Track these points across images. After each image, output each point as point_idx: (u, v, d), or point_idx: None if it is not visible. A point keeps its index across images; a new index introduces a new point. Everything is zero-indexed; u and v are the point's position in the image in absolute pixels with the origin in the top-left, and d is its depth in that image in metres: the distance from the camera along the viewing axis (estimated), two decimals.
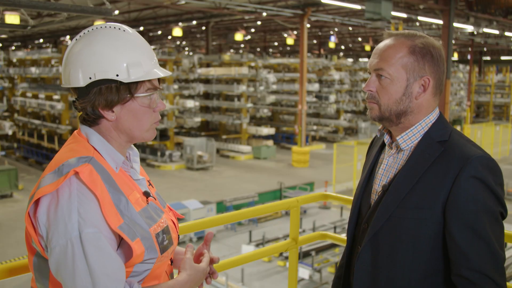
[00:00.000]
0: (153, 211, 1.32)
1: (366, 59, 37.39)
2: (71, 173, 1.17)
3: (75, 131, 1.34)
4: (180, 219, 1.51)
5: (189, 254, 1.38)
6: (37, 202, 1.18)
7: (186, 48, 41.28)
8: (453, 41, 21.53)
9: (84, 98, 1.27)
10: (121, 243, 1.23)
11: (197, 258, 1.47)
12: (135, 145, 1.47)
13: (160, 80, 1.37)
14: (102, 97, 1.25)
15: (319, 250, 10.35)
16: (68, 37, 28.68)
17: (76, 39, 1.30)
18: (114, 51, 1.26)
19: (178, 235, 1.42)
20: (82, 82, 1.25)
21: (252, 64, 24.46)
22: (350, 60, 34.02)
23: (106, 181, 1.21)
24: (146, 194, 1.33)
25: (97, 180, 1.19)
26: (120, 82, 1.25)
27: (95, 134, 1.29)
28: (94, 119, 1.29)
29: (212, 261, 1.47)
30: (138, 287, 1.21)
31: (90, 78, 1.24)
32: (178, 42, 37.74)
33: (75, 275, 1.13)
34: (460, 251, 1.34)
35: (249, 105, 23.25)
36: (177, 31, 22.68)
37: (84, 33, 1.31)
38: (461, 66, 34.99)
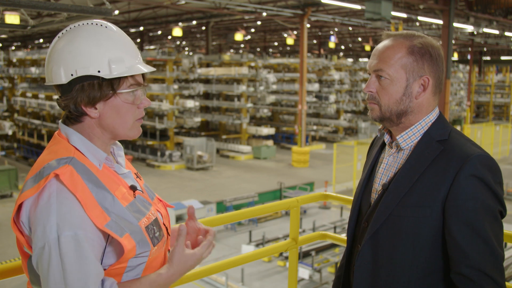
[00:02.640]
0: (141, 205, 1.31)
1: (366, 59, 37.40)
2: (51, 175, 1.16)
3: (56, 132, 1.32)
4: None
5: (180, 242, 1.31)
6: (20, 207, 1.18)
7: (186, 48, 41.28)
8: (453, 41, 21.55)
9: (66, 96, 1.25)
10: (111, 240, 1.22)
11: (191, 235, 1.43)
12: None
13: (145, 77, 1.36)
14: (84, 94, 1.24)
15: (319, 250, 10.35)
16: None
17: (59, 37, 1.28)
18: (95, 47, 1.24)
19: (167, 228, 1.40)
20: (64, 79, 1.24)
21: (252, 64, 24.47)
22: (350, 60, 34.04)
23: (89, 180, 1.20)
24: (133, 188, 1.32)
25: (77, 182, 1.17)
26: (102, 78, 1.24)
27: (75, 133, 1.28)
28: (77, 117, 1.27)
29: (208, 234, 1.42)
30: (109, 283, 1.19)
31: (71, 75, 1.23)
32: (178, 42, 37.75)
33: (49, 277, 1.13)
34: (459, 249, 1.34)
35: (249, 105, 23.25)
36: (177, 31, 22.69)
37: (66, 30, 1.29)
38: (461, 66, 35.00)
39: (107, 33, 1.28)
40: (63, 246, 1.12)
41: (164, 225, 1.38)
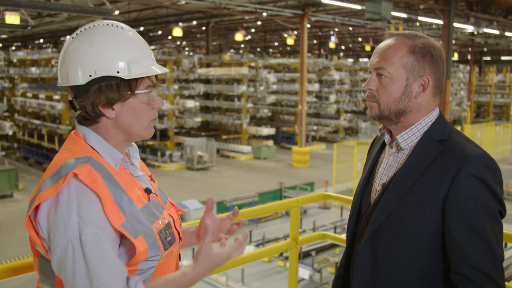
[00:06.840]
0: (155, 208, 1.31)
1: (366, 59, 37.39)
2: (70, 175, 1.16)
3: (72, 132, 1.32)
4: (181, 219, 1.48)
5: (207, 240, 1.27)
6: (37, 206, 1.17)
7: (186, 48, 41.27)
8: (453, 41, 21.54)
9: (83, 97, 1.25)
10: (124, 241, 1.22)
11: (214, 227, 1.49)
12: (136, 143, 1.46)
13: (157, 78, 1.36)
14: (102, 95, 1.24)
15: (319, 250, 10.35)
16: (68, 37, 28.74)
17: (73, 37, 1.28)
18: (114, 48, 1.25)
19: (179, 232, 1.40)
20: (81, 80, 1.23)
21: (252, 64, 24.46)
22: (350, 60, 34.03)
23: (107, 179, 1.20)
24: (148, 191, 1.32)
25: (97, 179, 1.17)
26: (121, 79, 1.24)
27: (92, 133, 1.28)
28: (94, 118, 1.27)
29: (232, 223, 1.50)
30: (134, 281, 1.18)
31: (90, 75, 1.23)
32: (178, 42, 37.73)
33: (75, 276, 1.13)
34: (459, 249, 1.34)
35: (249, 105, 23.25)
36: (177, 31, 22.68)
37: (81, 30, 1.29)
38: (461, 66, 34.99)
39: (124, 34, 1.29)
40: (86, 244, 1.13)
41: (176, 229, 1.38)
